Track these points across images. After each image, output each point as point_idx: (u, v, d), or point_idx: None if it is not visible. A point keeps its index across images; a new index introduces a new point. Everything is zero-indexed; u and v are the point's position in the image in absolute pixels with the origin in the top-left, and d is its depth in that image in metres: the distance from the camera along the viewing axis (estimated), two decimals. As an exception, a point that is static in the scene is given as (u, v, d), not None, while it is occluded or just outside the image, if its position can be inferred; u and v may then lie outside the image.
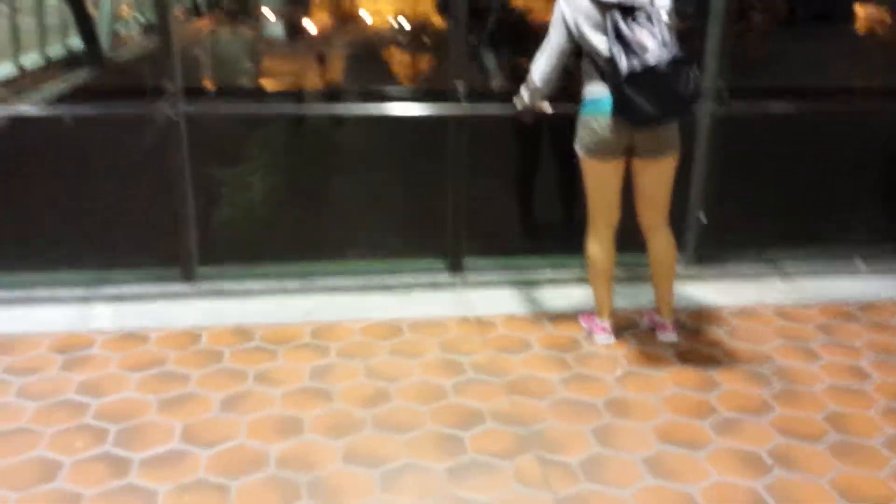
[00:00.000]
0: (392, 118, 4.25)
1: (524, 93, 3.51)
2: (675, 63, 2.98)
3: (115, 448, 2.79)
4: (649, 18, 3.03)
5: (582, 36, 3.20)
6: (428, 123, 4.15)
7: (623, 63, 3.02)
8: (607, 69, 3.14)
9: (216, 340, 3.56)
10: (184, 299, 3.94)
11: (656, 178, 3.38)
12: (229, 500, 2.55)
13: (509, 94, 3.69)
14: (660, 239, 3.51)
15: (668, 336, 3.63)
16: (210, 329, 3.66)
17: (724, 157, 4.25)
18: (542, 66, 3.33)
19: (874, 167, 5.50)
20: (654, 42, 2.99)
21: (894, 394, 3.25)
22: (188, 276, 4.02)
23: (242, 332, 3.63)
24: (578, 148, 3.39)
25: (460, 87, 4.00)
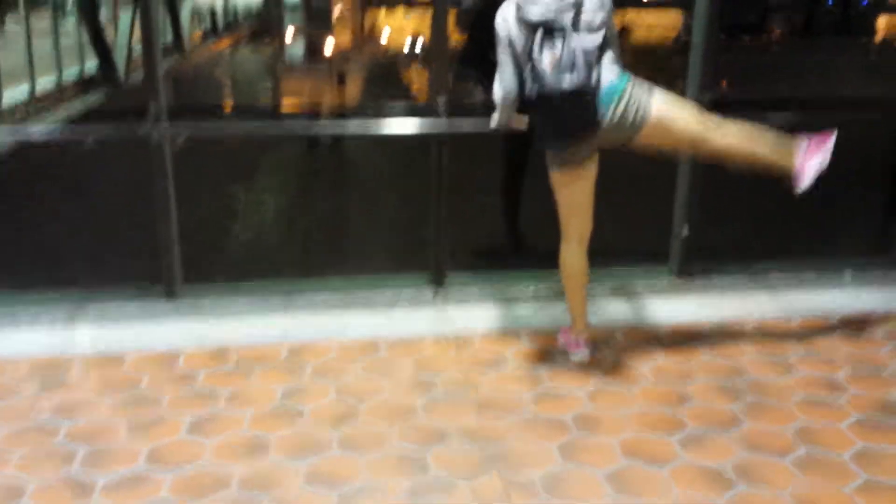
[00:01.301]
0: (374, 136, 4.28)
1: (496, 112, 3.53)
2: (571, 92, 3.04)
3: (81, 471, 2.83)
4: (564, 41, 3.05)
5: (514, 52, 3.23)
6: (410, 140, 4.18)
7: (527, 85, 3.11)
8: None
9: (192, 361, 3.60)
10: (164, 319, 3.97)
11: (655, 138, 3.32)
12: (188, 521, 2.58)
13: (490, 108, 3.70)
14: (729, 150, 3.36)
15: (582, 352, 3.61)
16: (188, 350, 3.69)
17: (709, 169, 4.22)
18: (498, 84, 3.35)
19: (864, 178, 5.45)
20: (556, 65, 3.03)
21: (868, 407, 3.22)
22: (170, 293, 4.06)
23: (219, 353, 3.66)
24: (547, 162, 3.41)
25: (441, 102, 4.02)
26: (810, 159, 3.31)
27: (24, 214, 5.97)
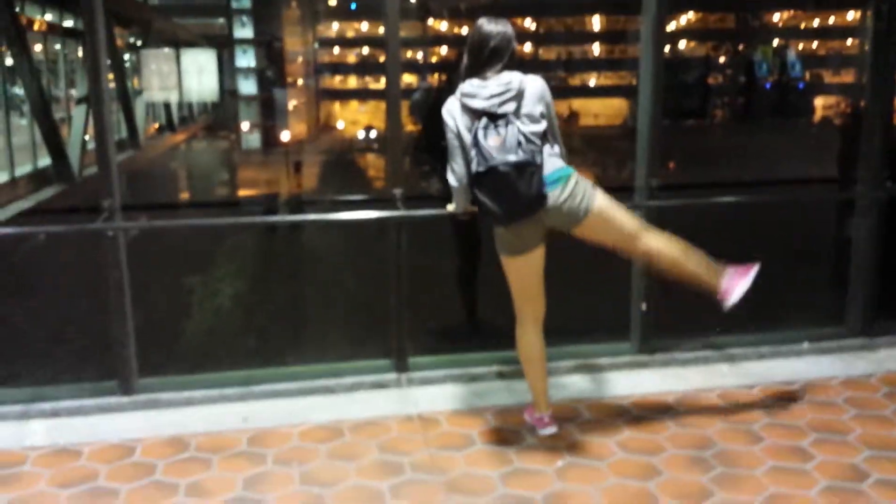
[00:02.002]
0: (335, 224, 4.31)
1: (453, 198, 3.59)
2: (516, 166, 3.16)
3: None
4: (507, 126, 3.21)
5: (461, 139, 3.34)
6: (369, 227, 4.21)
7: (473, 165, 3.22)
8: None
9: (151, 452, 3.49)
10: (121, 412, 3.87)
11: (594, 232, 3.43)
12: None
13: (446, 196, 3.76)
14: (658, 256, 3.50)
15: (549, 430, 3.60)
16: (146, 441, 3.59)
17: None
18: (449, 169, 3.45)
19: (816, 252, 5.61)
20: (501, 146, 3.18)
21: (836, 473, 3.23)
22: (126, 389, 3.96)
23: (178, 443, 3.56)
24: (497, 247, 3.49)
25: (397, 193, 4.08)
26: (736, 284, 3.51)
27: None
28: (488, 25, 3.36)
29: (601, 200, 3.39)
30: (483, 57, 3.33)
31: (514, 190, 3.20)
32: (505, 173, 3.17)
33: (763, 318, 4.69)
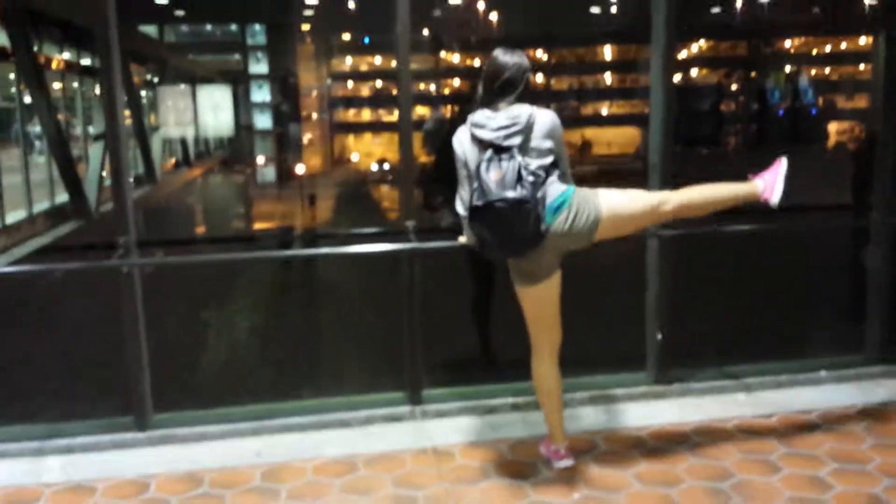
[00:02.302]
0: (348, 257, 4.33)
1: (464, 228, 3.60)
2: (513, 203, 3.15)
3: None
4: (510, 160, 3.20)
5: (469, 169, 3.35)
6: (383, 260, 4.23)
7: (473, 197, 3.22)
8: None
9: (165, 488, 3.48)
10: (136, 448, 3.87)
11: (614, 231, 3.41)
12: None
13: (458, 227, 3.77)
14: (685, 208, 3.48)
15: (565, 462, 3.56)
16: (160, 476, 3.58)
17: (680, 274, 4.30)
18: (459, 198, 3.46)
19: (833, 280, 5.57)
20: (499, 182, 3.17)
21: (855, 503, 3.18)
22: (141, 424, 3.97)
23: (192, 479, 3.56)
24: (511, 277, 3.48)
25: (410, 225, 4.10)
26: (773, 183, 3.50)
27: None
28: (503, 56, 3.37)
29: (606, 203, 3.34)
30: (496, 88, 3.34)
31: (510, 227, 3.19)
32: (500, 209, 3.15)
33: (780, 347, 4.66)
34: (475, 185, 3.23)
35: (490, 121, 3.29)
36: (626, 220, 3.40)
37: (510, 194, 3.15)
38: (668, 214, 3.49)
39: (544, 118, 3.32)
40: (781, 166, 3.53)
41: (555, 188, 3.31)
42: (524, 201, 3.16)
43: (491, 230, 3.23)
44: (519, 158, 3.21)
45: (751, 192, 3.53)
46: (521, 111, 3.29)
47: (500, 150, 3.24)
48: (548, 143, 3.31)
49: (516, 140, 3.25)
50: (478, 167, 3.24)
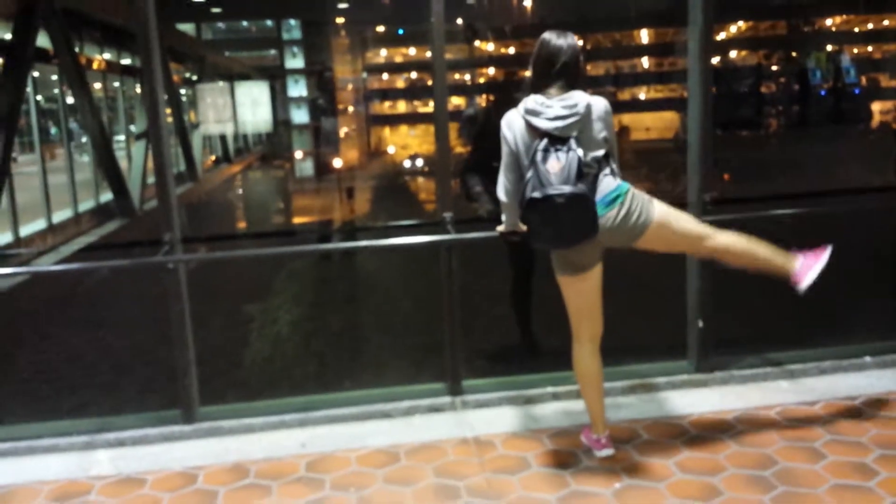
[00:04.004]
0: (387, 249, 4.36)
1: (503, 216, 3.60)
2: (572, 197, 3.12)
3: None
4: (568, 152, 3.16)
5: (518, 155, 3.32)
6: (422, 251, 4.25)
7: (527, 188, 3.18)
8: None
9: (213, 480, 3.56)
10: (184, 440, 3.96)
11: (656, 243, 3.41)
12: None
13: (496, 217, 3.78)
14: (726, 252, 3.48)
15: (606, 452, 3.56)
16: (207, 468, 3.66)
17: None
18: (501, 183, 3.44)
19: (875, 262, 5.48)
20: (560, 175, 3.13)
21: (903, 490, 3.14)
22: (188, 417, 4.05)
23: (239, 470, 3.63)
24: (553, 266, 3.47)
25: (447, 217, 4.12)
26: (809, 268, 3.47)
27: (42, 344, 6.03)
28: (557, 40, 3.31)
29: (659, 211, 3.35)
30: (552, 72, 3.28)
31: (567, 221, 3.17)
32: (560, 204, 3.12)
33: (824, 332, 4.60)
34: (529, 174, 3.20)
35: (546, 109, 3.22)
36: (671, 235, 3.39)
37: (569, 189, 3.12)
38: (707, 250, 3.48)
39: (599, 105, 3.28)
40: (825, 254, 3.51)
41: (609, 181, 3.29)
42: (584, 196, 3.15)
43: (547, 222, 3.19)
44: (579, 151, 3.18)
45: (786, 267, 3.51)
46: (578, 99, 3.23)
47: (555, 139, 3.20)
48: (603, 133, 3.28)
49: (574, 131, 3.21)
50: (533, 156, 3.20)
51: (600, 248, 3.38)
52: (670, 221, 3.37)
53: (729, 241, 3.46)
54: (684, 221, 3.42)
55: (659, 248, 3.44)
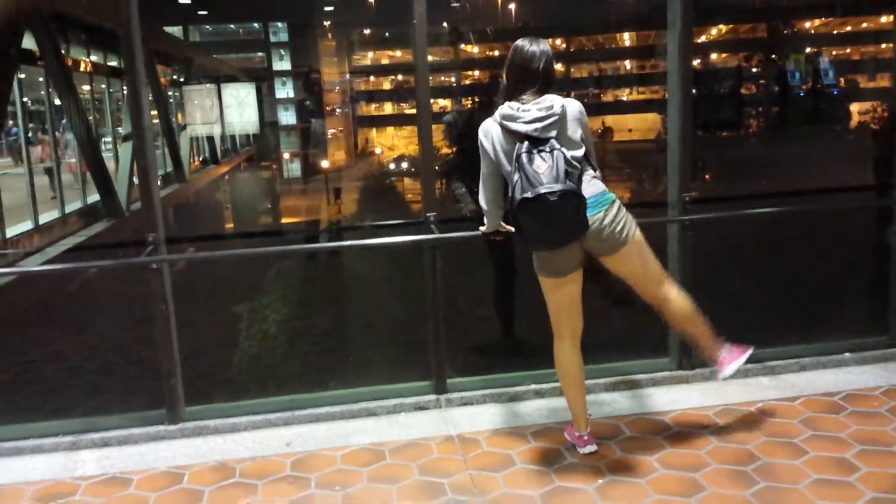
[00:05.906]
0: (371, 248, 4.38)
1: (485, 219, 3.63)
2: (563, 194, 3.15)
3: None
4: (551, 152, 3.20)
5: (498, 162, 3.36)
6: (406, 251, 4.27)
7: (517, 190, 3.20)
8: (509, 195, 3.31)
9: (198, 479, 3.57)
10: (169, 440, 3.96)
11: (624, 264, 3.45)
12: None
13: (479, 217, 3.81)
14: (672, 305, 3.54)
15: (589, 448, 3.60)
16: (193, 468, 3.67)
17: (701, 258, 4.31)
18: (482, 191, 3.49)
19: (854, 260, 5.54)
20: (549, 174, 3.16)
21: (881, 485, 3.18)
22: (174, 417, 4.06)
23: (224, 469, 3.64)
24: (535, 268, 3.51)
25: (431, 217, 4.15)
26: (732, 360, 3.62)
27: (25, 345, 6.02)
28: (531, 46, 3.36)
29: (640, 235, 3.42)
30: (527, 78, 3.33)
31: (560, 219, 3.20)
32: (552, 202, 3.14)
33: (804, 329, 4.65)
34: (516, 178, 3.22)
35: (523, 112, 3.27)
36: (638, 265, 3.47)
37: (560, 187, 3.15)
38: (657, 297, 3.55)
39: (573, 107, 3.34)
40: (747, 354, 3.66)
41: (594, 185, 3.35)
42: (576, 193, 3.19)
43: (540, 221, 3.22)
44: (563, 150, 3.22)
45: (713, 349, 3.63)
46: (552, 101, 3.28)
47: (536, 142, 3.23)
48: (579, 133, 3.33)
49: (553, 131, 3.25)
50: (517, 159, 3.23)
51: (581, 251, 3.42)
52: (645, 250, 3.45)
53: (678, 300, 3.55)
54: (653, 260, 3.50)
55: (622, 271, 3.48)
